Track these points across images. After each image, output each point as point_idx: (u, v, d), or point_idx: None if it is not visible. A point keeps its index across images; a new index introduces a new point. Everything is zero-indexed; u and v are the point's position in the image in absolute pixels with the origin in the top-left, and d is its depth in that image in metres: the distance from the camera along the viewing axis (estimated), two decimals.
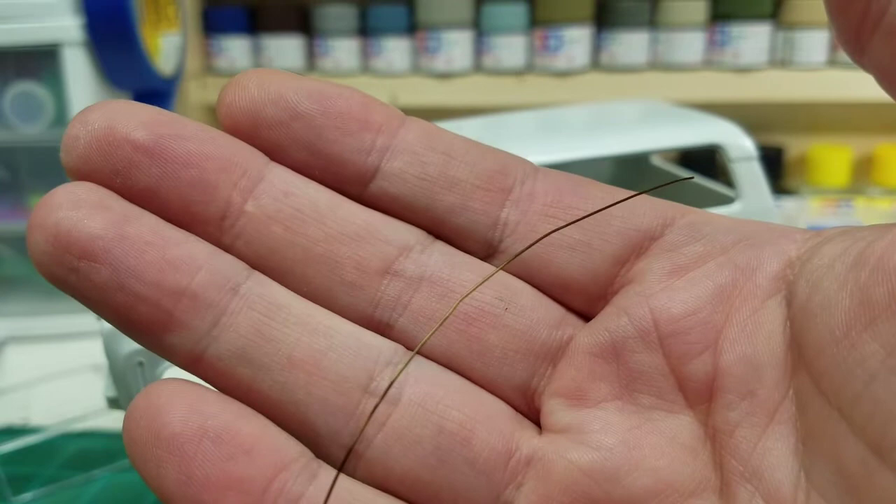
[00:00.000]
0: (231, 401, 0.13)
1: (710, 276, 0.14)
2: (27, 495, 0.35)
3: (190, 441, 0.12)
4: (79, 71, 0.47)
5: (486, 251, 0.15)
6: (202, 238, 0.14)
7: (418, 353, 0.14)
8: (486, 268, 0.15)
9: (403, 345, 0.14)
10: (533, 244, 0.14)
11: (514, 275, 0.15)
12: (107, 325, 0.26)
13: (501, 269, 0.14)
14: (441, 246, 0.15)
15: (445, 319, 0.14)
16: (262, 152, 0.14)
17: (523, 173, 0.15)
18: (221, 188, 0.13)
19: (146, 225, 0.13)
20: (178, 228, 0.13)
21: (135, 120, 0.13)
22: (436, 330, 0.14)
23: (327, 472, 0.13)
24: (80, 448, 0.39)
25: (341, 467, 0.12)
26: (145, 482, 0.12)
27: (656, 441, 0.13)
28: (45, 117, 0.48)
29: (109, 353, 0.26)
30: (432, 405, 0.14)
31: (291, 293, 0.14)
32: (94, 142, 0.13)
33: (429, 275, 0.14)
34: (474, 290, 0.14)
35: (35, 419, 0.41)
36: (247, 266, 0.14)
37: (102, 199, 0.13)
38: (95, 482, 0.36)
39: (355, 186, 0.14)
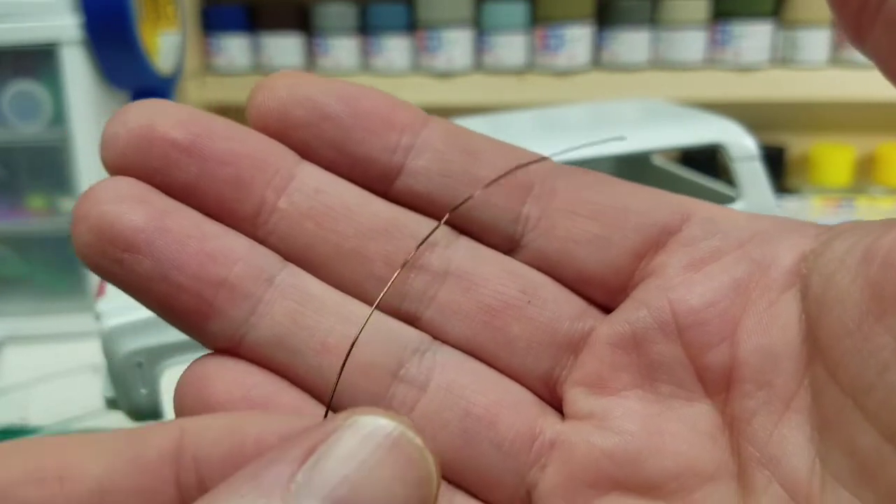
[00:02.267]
0: (272, 375, 0.14)
1: (727, 269, 0.14)
2: None
3: (234, 410, 0.13)
4: (77, 70, 0.47)
5: (508, 246, 0.15)
6: (239, 233, 0.14)
7: (443, 341, 0.15)
8: (509, 262, 0.15)
9: (430, 335, 0.15)
10: (463, 203, 0.15)
11: (537, 269, 0.15)
12: (106, 326, 0.26)
13: (443, 222, 0.15)
14: (465, 241, 0.15)
15: (397, 275, 0.14)
16: (292, 151, 0.15)
17: (544, 170, 0.15)
18: (256, 186, 0.14)
19: (186, 219, 0.14)
20: (215, 222, 0.14)
21: (173, 119, 0.14)
22: (390, 284, 0.14)
23: None
24: None
25: (328, 405, 0.13)
26: None
27: (676, 427, 0.14)
28: (44, 116, 0.48)
29: (108, 353, 0.26)
30: (459, 390, 0.14)
31: (323, 284, 0.14)
32: (133, 140, 0.13)
33: (453, 269, 0.15)
34: (422, 243, 0.15)
35: (34, 419, 0.41)
36: (281, 258, 0.14)
37: (143, 194, 0.13)
38: None
39: (381, 183, 0.15)
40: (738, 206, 0.30)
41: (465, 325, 0.15)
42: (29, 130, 0.48)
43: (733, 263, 0.14)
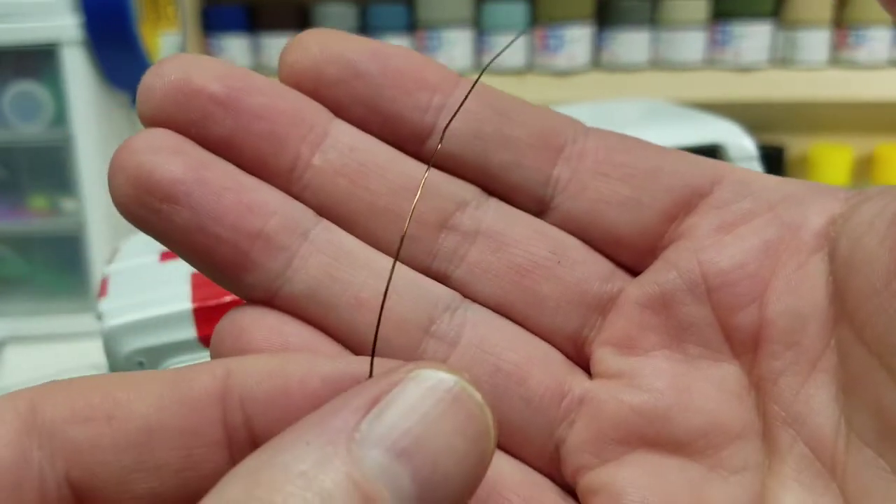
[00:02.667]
0: (308, 326, 0.14)
1: (757, 232, 0.14)
2: None
3: None
4: (78, 70, 0.47)
5: (538, 207, 0.15)
6: (274, 187, 0.14)
7: (473, 300, 0.15)
8: (539, 223, 0.15)
9: (461, 293, 0.15)
10: (453, 117, 0.15)
11: (566, 230, 0.15)
12: (107, 326, 0.26)
13: (445, 169, 0.15)
14: (495, 202, 0.15)
15: (413, 211, 0.14)
16: (326, 108, 0.15)
17: (574, 132, 0.15)
18: (291, 141, 0.14)
19: (223, 170, 0.14)
20: (252, 176, 0.14)
21: (210, 73, 0.14)
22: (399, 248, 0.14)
23: None
24: None
25: (373, 352, 0.13)
26: None
27: (704, 387, 0.14)
28: (44, 117, 0.48)
29: (110, 353, 0.26)
30: (489, 347, 0.14)
31: (357, 240, 0.15)
32: (170, 92, 0.13)
33: (484, 229, 0.15)
34: (423, 183, 0.15)
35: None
36: (315, 213, 0.14)
37: (181, 145, 0.13)
38: None
39: (413, 143, 0.15)
40: None
41: (495, 285, 0.15)
42: (30, 131, 0.48)
43: (764, 225, 0.14)
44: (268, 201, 0.14)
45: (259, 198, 0.14)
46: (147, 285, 0.28)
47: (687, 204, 0.15)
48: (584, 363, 0.15)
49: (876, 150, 0.80)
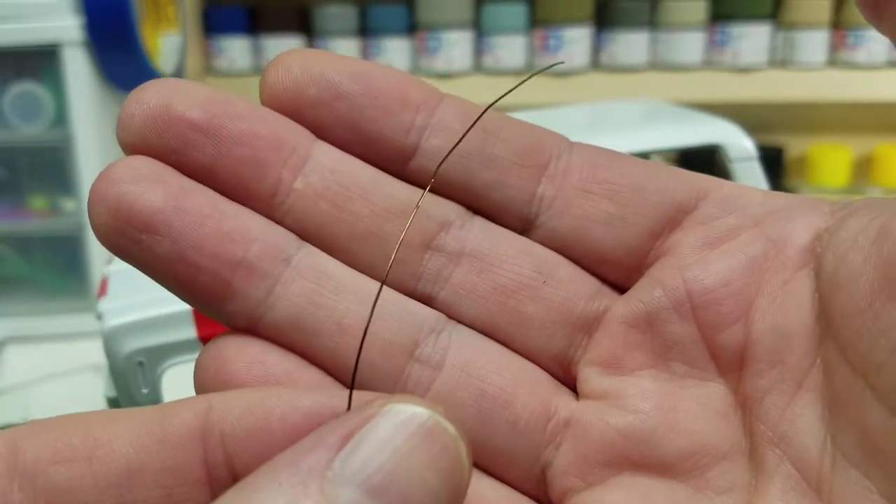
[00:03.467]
0: (291, 354, 0.14)
1: (742, 248, 0.14)
2: None
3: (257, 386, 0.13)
4: (79, 71, 0.47)
5: (523, 225, 0.15)
6: (256, 213, 0.14)
7: (459, 322, 0.15)
8: (524, 242, 0.15)
9: (446, 315, 0.15)
10: (445, 156, 0.15)
11: (551, 248, 0.15)
12: (107, 326, 0.26)
13: (429, 189, 0.15)
14: (480, 221, 0.15)
15: (401, 242, 0.14)
16: (307, 130, 0.15)
17: (559, 149, 0.15)
18: (272, 166, 0.14)
19: (203, 198, 0.13)
20: (233, 202, 0.14)
21: (190, 99, 0.14)
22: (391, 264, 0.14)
23: None
24: None
25: (352, 387, 0.13)
26: None
27: (690, 406, 0.14)
28: (45, 117, 0.48)
29: (109, 353, 0.26)
30: (474, 370, 0.14)
31: (340, 264, 0.14)
32: (150, 120, 0.13)
33: (468, 249, 0.15)
34: (418, 204, 0.15)
35: (35, 419, 0.41)
36: (298, 238, 0.14)
37: (161, 174, 0.13)
38: None
39: (396, 164, 0.15)
40: None
41: (481, 306, 0.15)
42: (31, 131, 0.48)
43: (749, 242, 0.14)
44: (249, 228, 0.14)
45: (240, 225, 0.14)
46: (147, 285, 0.28)
47: (672, 220, 0.15)
48: (571, 383, 0.15)
49: (875, 150, 0.80)
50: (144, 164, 0.13)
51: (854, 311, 0.12)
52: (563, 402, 0.15)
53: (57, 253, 0.50)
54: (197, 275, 0.13)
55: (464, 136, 0.15)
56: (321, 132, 0.15)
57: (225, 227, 0.13)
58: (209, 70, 0.77)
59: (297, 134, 0.14)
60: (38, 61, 0.48)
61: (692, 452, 0.14)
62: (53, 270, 0.52)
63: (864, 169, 0.82)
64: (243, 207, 0.14)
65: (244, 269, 0.13)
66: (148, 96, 0.13)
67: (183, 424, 0.11)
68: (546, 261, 0.15)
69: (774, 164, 0.78)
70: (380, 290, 0.14)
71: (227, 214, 0.14)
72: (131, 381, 0.27)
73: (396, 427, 0.10)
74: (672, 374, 0.14)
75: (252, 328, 0.14)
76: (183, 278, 0.13)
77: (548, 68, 0.17)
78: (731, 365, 0.14)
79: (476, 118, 0.15)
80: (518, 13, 0.73)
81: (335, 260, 0.14)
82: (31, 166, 0.50)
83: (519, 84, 0.16)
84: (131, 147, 0.13)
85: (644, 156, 0.38)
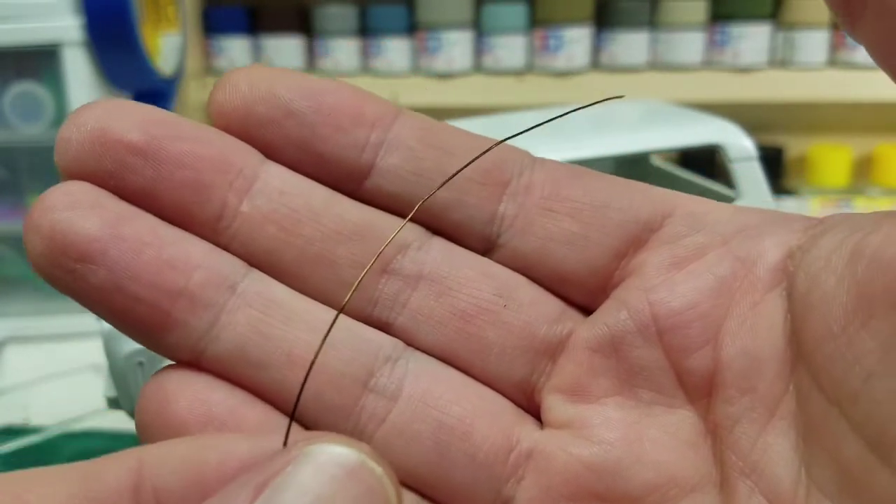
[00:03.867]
0: (237, 389, 0.13)
1: (710, 268, 0.13)
2: None
3: (196, 427, 0.13)
4: (79, 71, 0.47)
5: (484, 246, 0.15)
6: (199, 238, 0.13)
7: (417, 348, 0.14)
8: (485, 263, 0.14)
9: (404, 341, 0.14)
10: (428, 197, 0.14)
11: (514, 269, 0.15)
12: (107, 325, 0.26)
13: (407, 221, 0.14)
14: (439, 242, 0.15)
15: (366, 272, 0.14)
16: (256, 150, 0.14)
17: (521, 165, 0.15)
18: (217, 189, 0.13)
19: (142, 224, 0.13)
20: (174, 227, 0.13)
21: (128, 120, 0.13)
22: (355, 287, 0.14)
23: None
24: (80, 448, 0.39)
25: (292, 416, 0.13)
26: None
27: (657, 436, 0.13)
28: (46, 117, 0.48)
29: (109, 353, 0.26)
30: (432, 400, 0.14)
31: (290, 290, 0.14)
32: (86, 143, 0.13)
33: (426, 272, 0.14)
34: (385, 245, 0.14)
35: (35, 419, 0.41)
36: (245, 264, 0.14)
37: (98, 199, 0.13)
38: None
39: (351, 183, 0.14)
40: None
41: (439, 332, 0.14)
42: (31, 131, 0.48)
43: (716, 261, 0.13)
44: (191, 254, 0.13)
45: (181, 251, 0.13)
46: None
47: (637, 239, 0.14)
48: (535, 411, 0.14)
49: (875, 150, 0.81)
50: (81, 190, 0.13)
51: (827, 336, 0.11)
52: (525, 431, 0.14)
53: None
54: (134, 305, 0.13)
55: (461, 170, 0.14)
56: (272, 152, 0.14)
57: (165, 255, 0.13)
58: (209, 70, 0.77)
59: (245, 154, 0.14)
60: (38, 61, 0.48)
61: (659, 485, 0.13)
62: None
63: (864, 169, 0.82)
64: (186, 233, 0.13)
65: (185, 299, 0.13)
66: (85, 119, 0.13)
67: (114, 481, 0.11)
68: (507, 283, 0.14)
69: (774, 164, 0.78)
70: (335, 318, 0.13)
71: (167, 241, 0.13)
72: (131, 381, 0.27)
73: (316, 470, 0.10)
74: (639, 401, 0.14)
75: (196, 361, 0.13)
76: (120, 309, 0.13)
77: (602, 101, 0.16)
78: (700, 391, 0.13)
79: (432, 137, 0.14)
80: (518, 13, 0.73)
81: (285, 286, 0.14)
82: (31, 166, 0.50)
83: (544, 123, 0.15)
84: (68, 172, 0.13)
85: (645, 156, 0.38)
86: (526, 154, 0.15)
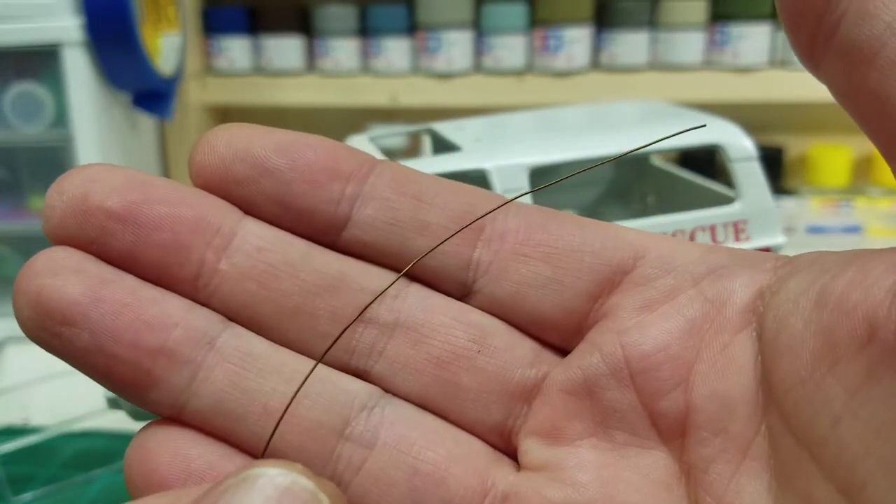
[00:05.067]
0: (217, 442, 0.14)
1: (680, 310, 0.14)
2: (27, 495, 0.35)
3: (176, 482, 0.13)
4: (79, 71, 0.47)
5: (461, 291, 0.15)
6: (179, 295, 0.14)
7: (394, 394, 0.14)
8: (460, 310, 0.15)
9: (381, 388, 0.14)
10: (426, 254, 0.14)
11: (490, 313, 0.15)
12: None
13: (402, 275, 0.15)
14: (416, 289, 0.15)
15: (353, 321, 0.14)
16: (234, 206, 0.14)
17: (495, 212, 0.15)
18: (195, 249, 0.14)
19: (122, 287, 0.13)
20: (154, 287, 0.14)
21: (108, 186, 0.14)
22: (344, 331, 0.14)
23: None
24: (80, 448, 0.39)
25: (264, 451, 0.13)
26: None
27: (631, 477, 0.14)
28: (45, 117, 0.48)
29: None
30: (407, 447, 0.14)
31: (268, 342, 0.14)
32: (69, 211, 0.13)
33: (403, 320, 0.15)
34: (365, 309, 0.14)
35: (35, 419, 0.41)
36: (223, 319, 0.14)
37: (80, 264, 0.13)
38: (95, 482, 0.37)
39: (329, 235, 0.15)
40: (736, 206, 0.30)
41: (415, 379, 0.14)
42: (31, 131, 0.48)
43: (687, 303, 0.14)
44: (170, 313, 0.13)
45: (160, 311, 0.13)
46: None
47: (610, 281, 0.14)
48: (512, 453, 0.15)
49: (875, 150, 0.80)
50: (64, 256, 0.13)
51: (796, 381, 0.12)
52: (501, 475, 0.14)
53: None
54: (116, 365, 0.13)
55: (461, 229, 0.14)
56: (250, 208, 0.14)
57: (144, 315, 0.13)
58: (209, 70, 0.77)
59: (223, 213, 0.14)
60: (38, 61, 0.48)
61: None
62: None
63: (864, 169, 0.82)
64: (166, 292, 0.14)
65: (165, 357, 0.13)
66: (67, 186, 0.13)
67: None
68: (482, 329, 0.15)
69: (774, 164, 0.78)
70: (310, 371, 0.13)
71: (146, 301, 0.13)
72: None
73: (254, 491, 0.10)
74: (613, 442, 0.14)
75: (178, 416, 0.14)
76: (103, 369, 0.13)
77: (683, 132, 0.17)
78: (674, 432, 0.13)
79: (409, 185, 0.14)
80: (518, 13, 0.73)
81: (263, 339, 0.14)
82: (31, 166, 0.50)
83: (570, 175, 0.15)
84: (54, 237, 0.14)
85: (645, 156, 0.38)
86: (499, 199, 0.15)
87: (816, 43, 0.12)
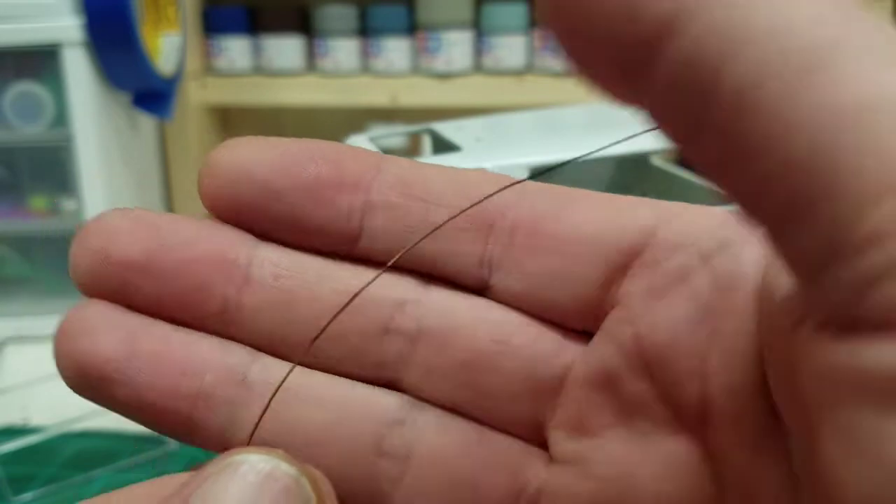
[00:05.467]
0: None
1: (691, 295, 0.13)
2: (27, 495, 0.36)
3: None
4: (79, 71, 0.47)
5: (479, 286, 0.15)
6: (208, 331, 0.14)
7: (427, 401, 0.15)
8: (480, 308, 0.15)
9: (413, 396, 0.15)
10: (407, 249, 0.14)
11: (511, 306, 0.15)
12: None
13: (383, 271, 0.15)
14: (435, 293, 0.15)
15: (336, 316, 0.14)
16: (247, 232, 0.15)
17: (504, 205, 0.15)
18: (216, 285, 0.14)
19: (153, 336, 0.14)
20: (184, 330, 0.14)
21: (126, 237, 0.14)
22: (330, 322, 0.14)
23: None
24: (80, 448, 0.39)
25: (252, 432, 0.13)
26: None
27: (656, 466, 0.14)
28: (45, 117, 0.48)
29: None
30: (440, 457, 0.14)
31: (299, 369, 0.14)
32: (93, 266, 0.14)
33: (425, 327, 0.15)
34: (356, 295, 0.14)
35: (35, 419, 0.41)
36: (251, 351, 0.14)
37: (110, 319, 0.14)
38: (95, 482, 0.37)
39: (344, 246, 0.15)
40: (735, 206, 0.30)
41: (445, 384, 0.15)
42: (31, 131, 0.48)
43: (698, 287, 0.13)
44: (201, 356, 0.14)
45: (192, 354, 0.14)
46: None
47: (622, 266, 0.14)
48: (545, 444, 0.15)
49: None
50: (93, 314, 0.14)
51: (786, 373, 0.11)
52: (534, 472, 0.14)
53: (57, 253, 0.50)
54: (160, 413, 0.14)
55: (454, 216, 0.15)
56: (263, 232, 0.15)
57: (177, 362, 0.14)
58: (209, 70, 0.77)
59: (237, 243, 0.14)
60: (38, 61, 0.48)
61: None
62: (54, 270, 0.52)
63: None
64: (194, 333, 0.14)
65: (202, 400, 0.14)
66: (90, 241, 0.14)
67: None
68: (503, 325, 0.15)
69: None
70: (289, 371, 0.14)
71: (177, 348, 0.14)
72: None
73: (236, 477, 0.11)
74: (637, 432, 0.14)
75: (226, 449, 0.14)
76: (148, 418, 0.14)
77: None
78: (694, 420, 0.13)
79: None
80: (518, 13, 0.73)
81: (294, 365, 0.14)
82: (31, 166, 0.50)
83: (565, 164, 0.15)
84: (83, 288, 0.14)
85: (645, 156, 0.38)
86: (506, 180, 0.15)
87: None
